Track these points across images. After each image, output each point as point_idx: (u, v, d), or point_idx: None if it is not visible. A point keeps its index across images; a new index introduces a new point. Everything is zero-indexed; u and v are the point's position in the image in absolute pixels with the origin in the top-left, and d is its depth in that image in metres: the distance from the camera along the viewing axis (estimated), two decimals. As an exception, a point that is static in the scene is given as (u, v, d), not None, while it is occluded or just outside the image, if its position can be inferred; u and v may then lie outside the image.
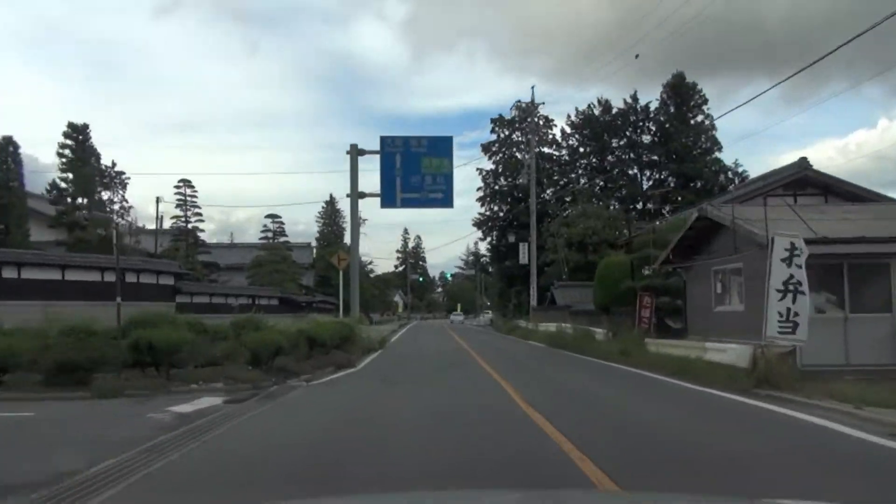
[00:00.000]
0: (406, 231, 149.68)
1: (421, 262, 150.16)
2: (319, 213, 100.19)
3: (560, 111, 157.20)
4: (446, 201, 26.42)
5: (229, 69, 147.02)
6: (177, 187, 36.89)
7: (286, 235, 52.42)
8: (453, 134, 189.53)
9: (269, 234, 52.40)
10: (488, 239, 52.54)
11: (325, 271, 66.55)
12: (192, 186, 36.98)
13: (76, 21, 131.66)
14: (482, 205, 51.54)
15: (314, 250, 62.18)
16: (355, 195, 26.30)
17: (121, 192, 40.78)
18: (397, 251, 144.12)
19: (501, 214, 51.09)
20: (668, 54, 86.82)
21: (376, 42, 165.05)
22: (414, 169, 25.89)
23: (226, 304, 35.25)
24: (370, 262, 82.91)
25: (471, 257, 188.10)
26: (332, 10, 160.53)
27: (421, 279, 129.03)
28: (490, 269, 55.61)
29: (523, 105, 41.95)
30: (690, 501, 3.15)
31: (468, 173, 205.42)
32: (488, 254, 53.09)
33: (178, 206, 37.22)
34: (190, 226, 37.92)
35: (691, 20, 57.21)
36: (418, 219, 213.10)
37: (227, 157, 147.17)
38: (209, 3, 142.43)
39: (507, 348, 27.05)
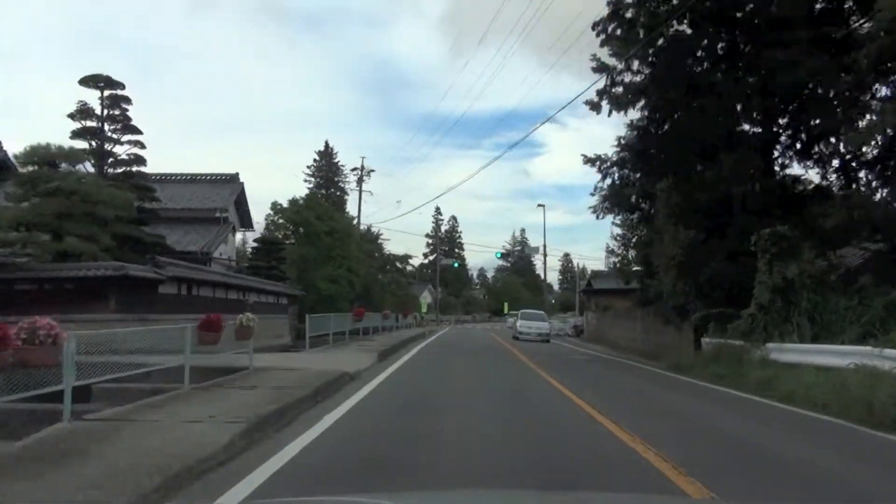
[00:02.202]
0: (438, 210, 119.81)
1: (458, 251, 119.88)
2: (310, 167, 70.11)
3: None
4: None
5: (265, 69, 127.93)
6: None
7: (140, 133, 21.91)
8: (490, 135, 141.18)
9: (94, 124, 21.93)
10: (637, 108, 17.39)
11: (282, 231, 36.24)
12: None
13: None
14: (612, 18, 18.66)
15: (242, 187, 31.61)
16: None
17: None
18: (427, 235, 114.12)
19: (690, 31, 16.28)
20: None
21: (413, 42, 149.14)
22: None
23: None
24: (379, 235, 52.53)
25: (517, 248, 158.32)
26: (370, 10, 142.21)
27: (456, 264, 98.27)
28: (640, 213, 21.02)
29: None
30: None
31: (512, 168, 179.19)
32: (630, 153, 18.36)
33: None
34: None
35: None
36: (452, 206, 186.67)
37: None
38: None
39: None
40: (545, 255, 56.13)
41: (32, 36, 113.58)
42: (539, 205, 62.93)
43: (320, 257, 35.57)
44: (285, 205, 36.12)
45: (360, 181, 54.86)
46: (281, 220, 35.77)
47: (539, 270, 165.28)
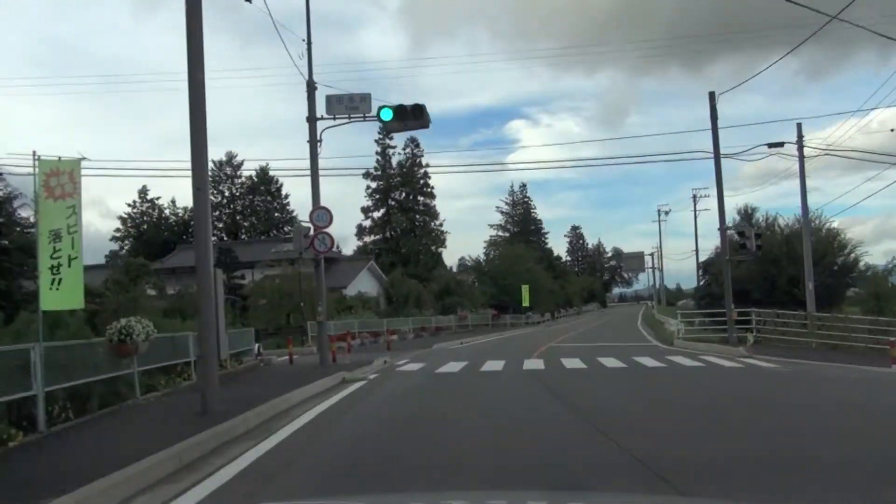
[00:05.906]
0: (386, 134, 64.06)
1: (426, 200, 67.43)
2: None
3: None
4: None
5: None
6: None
7: None
8: (464, 134, 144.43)
9: None
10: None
11: None
12: None
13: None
14: None
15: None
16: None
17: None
18: (366, 175, 62.88)
19: None
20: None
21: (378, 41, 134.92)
22: None
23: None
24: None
25: (518, 210, 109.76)
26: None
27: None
28: None
29: None
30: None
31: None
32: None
33: None
34: None
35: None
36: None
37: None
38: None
39: None
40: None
41: None
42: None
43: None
44: None
45: None
46: None
47: (552, 242, 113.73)
